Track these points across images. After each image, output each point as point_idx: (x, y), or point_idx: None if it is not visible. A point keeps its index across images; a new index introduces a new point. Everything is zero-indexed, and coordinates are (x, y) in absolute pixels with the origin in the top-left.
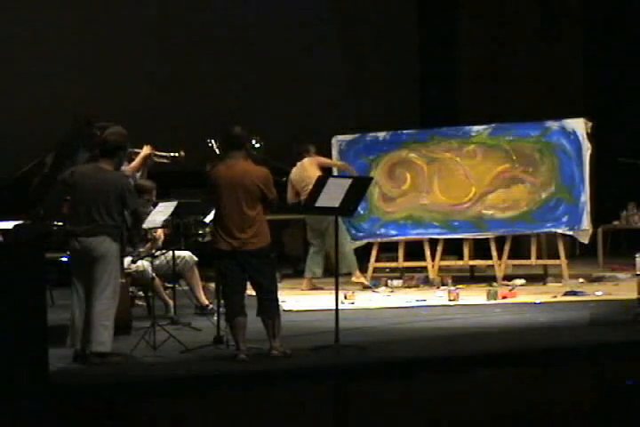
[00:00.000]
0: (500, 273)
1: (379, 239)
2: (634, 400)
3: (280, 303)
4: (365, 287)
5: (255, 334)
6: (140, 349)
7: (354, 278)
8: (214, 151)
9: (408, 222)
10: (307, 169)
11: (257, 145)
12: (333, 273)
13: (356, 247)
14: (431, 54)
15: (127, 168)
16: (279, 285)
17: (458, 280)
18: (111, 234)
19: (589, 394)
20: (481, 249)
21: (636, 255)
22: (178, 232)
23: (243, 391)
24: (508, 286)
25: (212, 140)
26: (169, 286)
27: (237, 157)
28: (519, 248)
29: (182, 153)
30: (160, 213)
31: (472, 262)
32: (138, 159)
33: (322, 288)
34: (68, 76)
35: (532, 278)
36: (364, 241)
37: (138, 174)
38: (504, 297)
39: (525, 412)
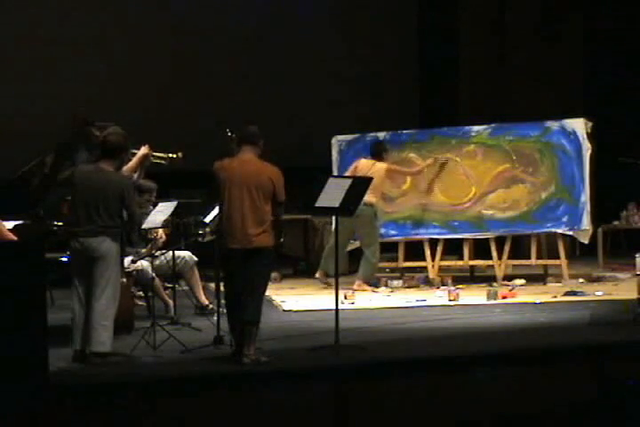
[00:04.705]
0: (500, 273)
1: (379, 239)
2: (634, 400)
3: (280, 303)
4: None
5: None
6: (139, 349)
7: (356, 286)
8: (230, 143)
9: (408, 222)
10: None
11: None
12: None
13: (356, 248)
14: (431, 54)
15: (124, 168)
16: (279, 285)
17: (458, 280)
18: (112, 234)
19: (589, 394)
20: (481, 249)
21: (636, 255)
22: (178, 232)
23: (242, 391)
24: (507, 285)
25: (230, 131)
26: (169, 286)
27: (250, 154)
28: (519, 248)
29: (180, 154)
30: (160, 213)
31: (472, 262)
32: (134, 159)
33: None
34: (67, 76)
35: (532, 278)
36: None
37: (135, 175)
38: (504, 297)
39: (525, 412)
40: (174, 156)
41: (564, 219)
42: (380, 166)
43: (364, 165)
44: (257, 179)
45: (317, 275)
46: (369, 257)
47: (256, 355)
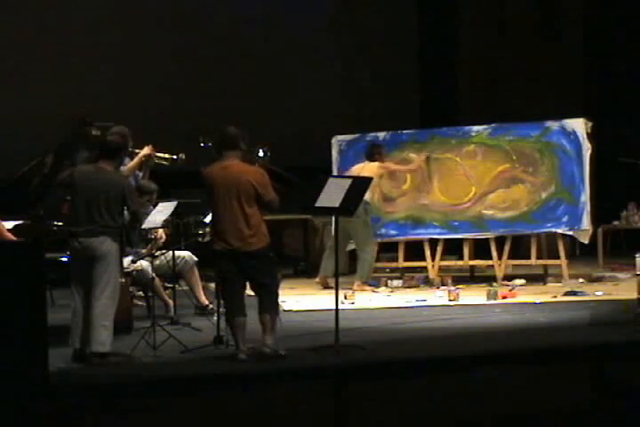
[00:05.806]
0: (500, 273)
1: (379, 239)
2: (634, 400)
3: (280, 303)
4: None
5: (255, 334)
6: (140, 349)
7: (355, 286)
8: (206, 149)
9: (408, 222)
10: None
11: (261, 154)
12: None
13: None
14: (431, 54)
15: (125, 168)
16: (280, 284)
17: (458, 280)
18: (112, 234)
19: (589, 394)
20: (481, 249)
21: (636, 255)
22: (178, 232)
23: (243, 391)
24: (507, 285)
25: (203, 138)
26: (169, 285)
27: (232, 158)
28: (519, 248)
29: (182, 156)
30: (160, 213)
31: (472, 262)
32: (136, 159)
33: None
34: (68, 77)
35: (532, 278)
36: None
37: (140, 174)
38: (504, 297)
39: (525, 412)
40: (176, 157)
41: (564, 219)
42: (372, 165)
43: (355, 170)
44: (238, 184)
45: (317, 280)
46: (364, 257)
47: (276, 346)
